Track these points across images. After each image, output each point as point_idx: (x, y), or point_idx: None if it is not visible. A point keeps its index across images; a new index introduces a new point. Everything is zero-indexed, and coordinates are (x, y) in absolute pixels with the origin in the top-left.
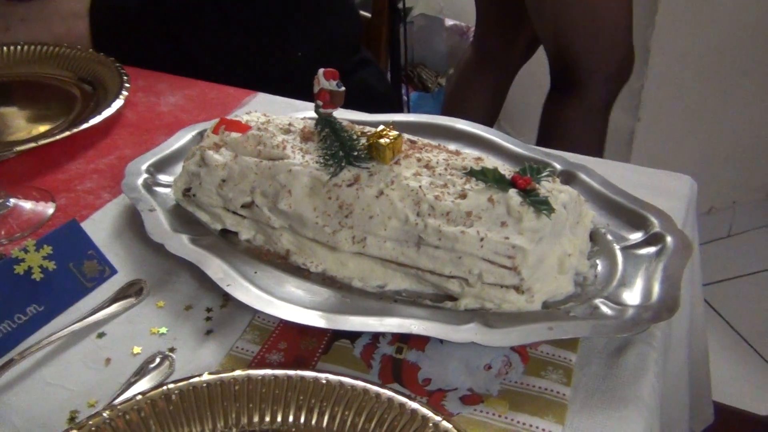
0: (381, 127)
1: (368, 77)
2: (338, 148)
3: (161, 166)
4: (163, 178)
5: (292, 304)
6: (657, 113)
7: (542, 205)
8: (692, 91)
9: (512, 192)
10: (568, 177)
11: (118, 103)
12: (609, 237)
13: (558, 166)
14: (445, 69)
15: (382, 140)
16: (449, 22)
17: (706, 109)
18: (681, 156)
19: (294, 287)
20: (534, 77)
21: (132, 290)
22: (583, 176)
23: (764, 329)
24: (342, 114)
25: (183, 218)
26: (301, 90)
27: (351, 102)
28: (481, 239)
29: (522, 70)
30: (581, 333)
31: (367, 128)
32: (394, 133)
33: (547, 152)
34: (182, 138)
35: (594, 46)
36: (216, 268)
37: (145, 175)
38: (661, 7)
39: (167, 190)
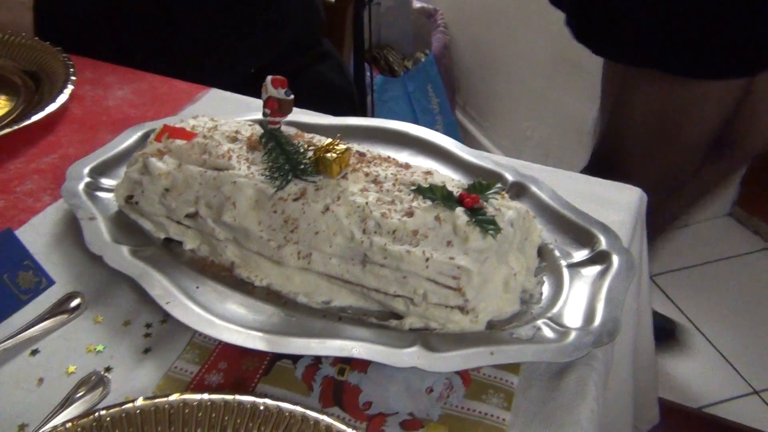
0: (329, 140)
1: (327, 72)
2: (284, 161)
3: (105, 168)
4: (107, 182)
5: (233, 324)
6: None
7: (489, 225)
8: None
9: (459, 211)
10: (518, 189)
11: (62, 98)
12: (556, 253)
13: (509, 177)
14: (412, 51)
15: (329, 154)
16: (417, 4)
17: None
18: None
19: (236, 304)
20: (499, 63)
21: (69, 304)
22: (534, 189)
23: (717, 318)
24: (297, 115)
25: (125, 226)
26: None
27: (309, 99)
28: (427, 259)
29: (487, 55)
30: (522, 358)
31: (317, 138)
32: (342, 146)
33: (498, 162)
34: (128, 138)
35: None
36: (156, 284)
37: (88, 179)
38: None
39: (110, 195)
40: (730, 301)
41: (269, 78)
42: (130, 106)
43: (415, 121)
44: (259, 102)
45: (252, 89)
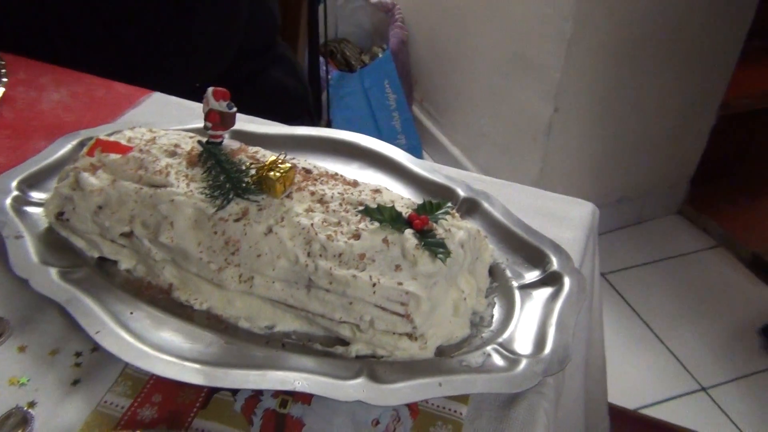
0: (273, 156)
1: (280, 75)
2: (225, 179)
3: (35, 181)
4: (37, 195)
5: (167, 355)
6: (573, 103)
7: (438, 249)
8: (607, 84)
9: (408, 233)
10: (470, 206)
11: None
12: (508, 273)
13: (461, 193)
14: (370, 45)
15: (272, 173)
16: None
17: (618, 101)
18: (594, 146)
19: (173, 331)
20: (457, 60)
21: None
22: (486, 205)
23: (666, 315)
24: (243, 124)
25: (55, 244)
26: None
27: (261, 104)
28: (374, 285)
29: (444, 51)
30: (470, 389)
31: (261, 152)
32: (286, 165)
33: (450, 177)
34: (61, 148)
35: None
36: (85, 311)
37: (16, 193)
38: (580, 0)
39: (40, 210)
40: (680, 299)
41: (210, 90)
42: (65, 110)
43: (372, 118)
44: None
45: (197, 97)
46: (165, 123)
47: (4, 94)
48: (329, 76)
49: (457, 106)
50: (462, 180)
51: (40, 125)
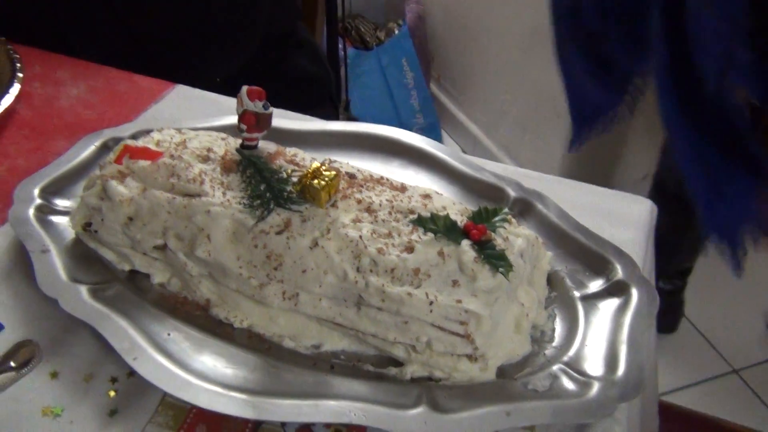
0: (313, 158)
1: (303, 63)
2: (265, 189)
3: (59, 187)
4: (61, 202)
5: (210, 384)
6: None
7: (499, 261)
8: None
9: (465, 245)
10: (523, 207)
11: (8, 99)
12: (568, 282)
13: (512, 193)
14: (383, 21)
15: (316, 181)
16: None
17: None
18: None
19: (214, 354)
20: (475, 36)
21: (21, 354)
22: (540, 207)
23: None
24: (275, 121)
25: (83, 257)
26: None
27: (286, 93)
28: (431, 303)
29: (462, 27)
30: (541, 419)
31: (300, 155)
32: (331, 172)
33: (499, 175)
34: (84, 149)
35: None
36: (120, 334)
37: (39, 201)
38: None
39: (66, 219)
40: (709, 277)
41: (244, 89)
42: (85, 106)
43: (390, 96)
44: (232, 101)
45: (220, 88)
46: (190, 118)
47: (21, 90)
48: (346, 55)
49: (475, 83)
50: (511, 178)
51: (60, 123)
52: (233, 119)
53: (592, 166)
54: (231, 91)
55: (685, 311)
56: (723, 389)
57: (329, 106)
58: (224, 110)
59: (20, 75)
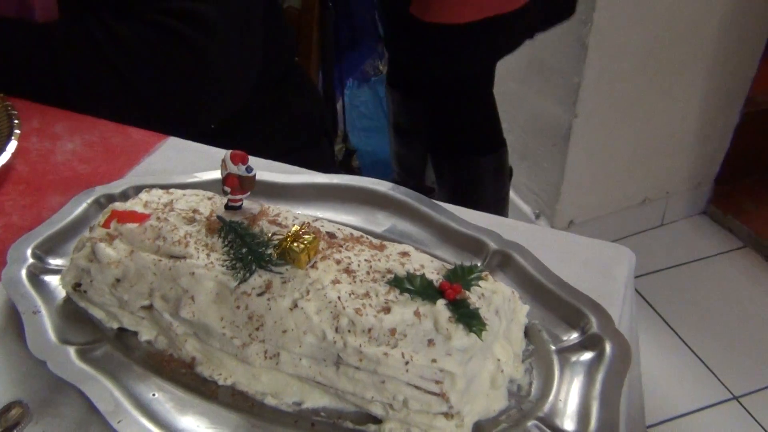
0: (294, 220)
1: (299, 103)
2: (246, 252)
3: (51, 245)
4: (54, 261)
5: None
6: (593, 108)
7: (473, 321)
8: (627, 87)
9: (440, 305)
10: (502, 259)
11: (6, 156)
12: (545, 335)
13: (492, 245)
14: (382, 52)
15: (296, 245)
16: None
17: (640, 104)
18: (616, 149)
19: (197, 415)
20: None
21: (11, 416)
22: (518, 259)
23: (694, 320)
24: (261, 174)
25: (74, 316)
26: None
27: (281, 134)
28: (407, 363)
29: None
30: None
31: (282, 215)
32: (310, 235)
33: (480, 227)
34: (76, 207)
35: None
36: (106, 397)
37: (31, 261)
38: (598, 4)
39: (57, 278)
40: (707, 302)
41: (228, 153)
42: (80, 160)
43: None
44: (222, 153)
45: (215, 138)
46: (181, 171)
47: (18, 146)
48: (344, 86)
49: None
50: (491, 230)
51: (54, 179)
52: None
53: (589, 191)
54: (227, 135)
55: None
56: None
57: (325, 143)
58: (215, 162)
59: (17, 131)
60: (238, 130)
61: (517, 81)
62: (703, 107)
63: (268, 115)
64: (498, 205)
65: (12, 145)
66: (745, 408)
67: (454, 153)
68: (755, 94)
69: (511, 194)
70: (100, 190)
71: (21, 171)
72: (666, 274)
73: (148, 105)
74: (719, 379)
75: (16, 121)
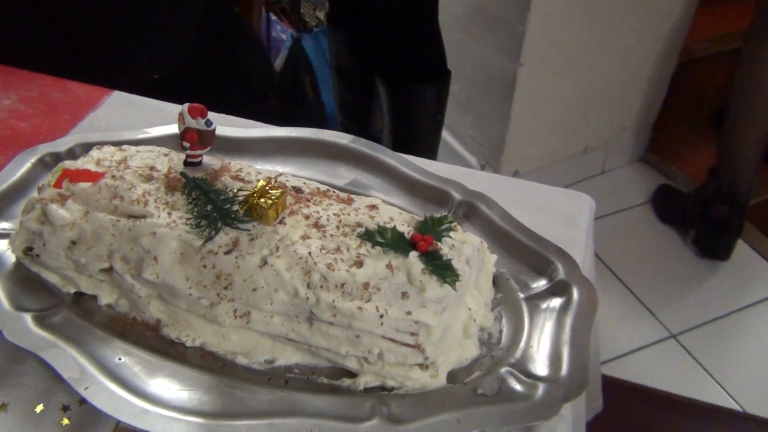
0: (258, 173)
1: (244, 56)
2: (212, 209)
3: None
4: (0, 225)
5: (165, 409)
6: (537, 58)
7: (446, 272)
8: (571, 36)
9: (413, 257)
10: (467, 210)
11: None
12: (513, 283)
13: (457, 196)
14: (323, 1)
15: (263, 200)
16: None
17: (582, 53)
18: (559, 98)
19: (167, 377)
20: None
21: None
22: (483, 208)
23: (632, 262)
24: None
25: (26, 281)
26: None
27: (227, 87)
28: (381, 316)
29: None
30: (490, 424)
31: (245, 170)
32: (277, 190)
33: (443, 178)
34: (20, 167)
35: None
36: (70, 364)
37: None
38: None
39: (5, 242)
40: (645, 245)
41: (186, 107)
42: (19, 118)
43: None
44: (172, 107)
45: (158, 91)
46: (130, 126)
47: None
48: (284, 36)
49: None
50: (454, 181)
51: None
52: (175, 128)
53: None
54: (170, 90)
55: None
56: None
57: (272, 98)
58: (165, 117)
59: None
60: (182, 83)
61: (460, 31)
62: (642, 56)
63: (211, 66)
64: (434, 139)
65: None
66: (682, 345)
67: (397, 82)
68: (691, 43)
69: (456, 145)
70: (44, 149)
71: None
72: (606, 220)
73: (86, 53)
74: (658, 318)
75: None
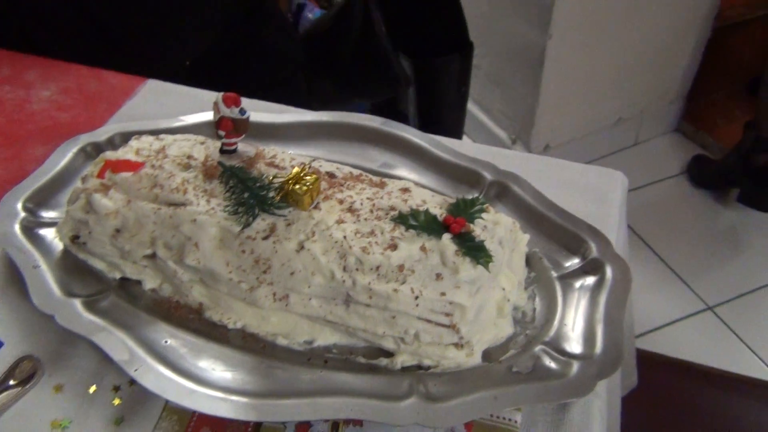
0: (293, 160)
1: (273, 39)
2: (249, 196)
3: (42, 198)
4: (47, 214)
5: (211, 389)
6: (567, 29)
7: (479, 253)
8: (601, 5)
9: (446, 239)
10: (499, 190)
11: None
12: (545, 263)
13: (488, 177)
14: None
15: (298, 186)
16: None
17: (613, 22)
18: (590, 69)
19: (212, 358)
20: None
21: (23, 370)
22: (515, 188)
23: (667, 235)
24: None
25: (74, 268)
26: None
27: (257, 71)
28: (416, 297)
29: None
30: (526, 401)
31: (279, 157)
32: (312, 176)
33: (474, 158)
34: (62, 157)
35: None
36: (120, 347)
37: (23, 214)
38: None
39: (52, 231)
40: (679, 217)
41: (220, 96)
42: (58, 109)
43: None
44: (206, 95)
45: (190, 77)
46: (165, 115)
47: None
48: (311, 16)
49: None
50: (486, 161)
51: (34, 129)
52: (209, 115)
53: (564, 113)
54: (202, 75)
55: None
56: None
57: (301, 79)
58: (198, 104)
59: None
60: (213, 68)
61: (487, 4)
62: (675, 22)
63: (240, 50)
64: (459, 112)
65: None
66: (719, 317)
67: (420, 56)
68: (725, 8)
69: (486, 120)
70: (84, 139)
71: None
72: (640, 192)
73: (118, 42)
74: (693, 290)
75: None
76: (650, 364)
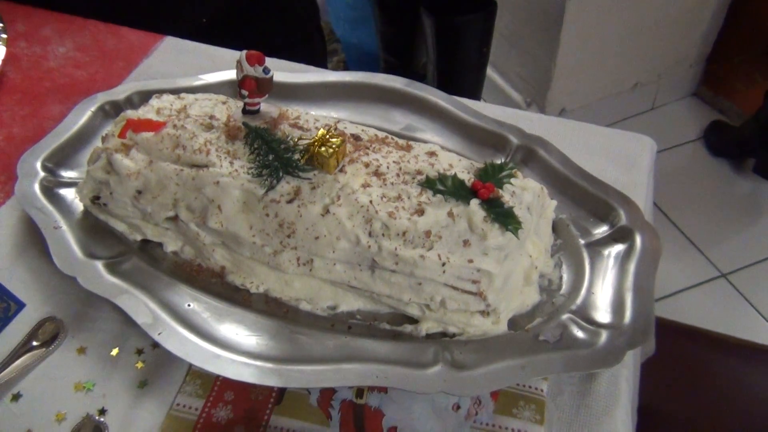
0: (317, 121)
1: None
2: (273, 159)
3: (61, 157)
4: (66, 173)
5: (236, 354)
6: None
7: (508, 219)
8: None
9: (474, 205)
10: (526, 154)
11: None
12: (573, 229)
13: (514, 140)
14: None
15: (323, 149)
16: None
17: None
18: (608, 33)
19: (235, 323)
20: None
21: (46, 331)
22: (542, 153)
23: (682, 201)
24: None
25: (95, 230)
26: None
27: (272, 28)
28: (443, 264)
29: None
30: (554, 370)
31: (303, 118)
32: (338, 138)
33: (500, 122)
34: (81, 115)
35: None
36: (143, 310)
37: (43, 174)
38: None
39: (72, 190)
40: (695, 183)
41: (243, 54)
42: (75, 66)
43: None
44: (225, 53)
45: (207, 35)
46: (184, 73)
47: (7, 52)
48: None
49: None
50: (512, 124)
51: (51, 86)
52: (230, 74)
53: (581, 77)
54: (219, 33)
55: None
56: None
57: (317, 38)
58: (217, 63)
59: (4, 36)
60: (230, 26)
61: None
62: None
63: (258, 8)
64: (479, 73)
65: (1, 51)
66: (733, 285)
67: (443, 13)
68: None
69: (501, 82)
70: (102, 97)
71: (14, 79)
72: (658, 156)
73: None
74: (707, 257)
75: (0, 24)
76: (666, 331)
